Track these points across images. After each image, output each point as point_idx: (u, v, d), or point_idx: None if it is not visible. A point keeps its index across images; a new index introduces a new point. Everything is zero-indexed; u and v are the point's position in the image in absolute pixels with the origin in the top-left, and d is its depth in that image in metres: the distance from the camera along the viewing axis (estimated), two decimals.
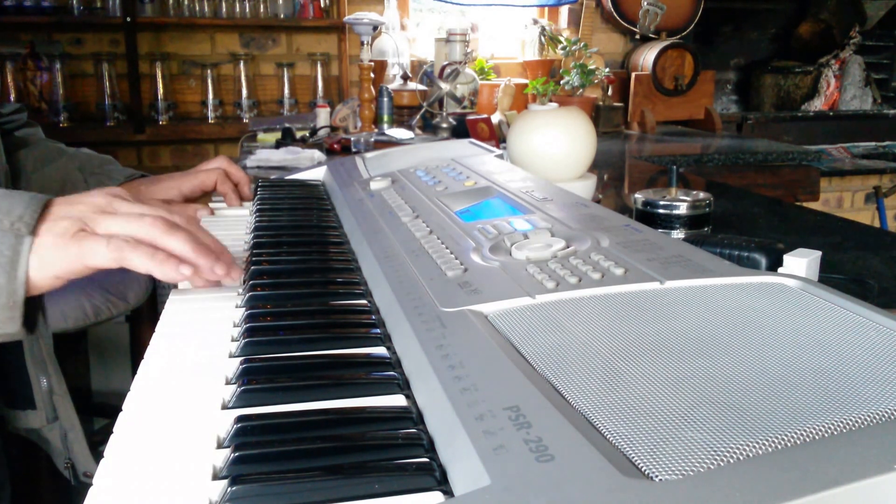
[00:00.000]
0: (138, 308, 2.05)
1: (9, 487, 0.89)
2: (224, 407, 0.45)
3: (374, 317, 0.58)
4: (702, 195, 1.01)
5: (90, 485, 0.37)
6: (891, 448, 0.32)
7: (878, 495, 0.30)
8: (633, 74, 2.95)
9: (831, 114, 3.78)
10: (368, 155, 1.20)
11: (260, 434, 0.41)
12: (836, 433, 0.34)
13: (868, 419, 0.35)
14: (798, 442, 0.33)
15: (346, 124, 2.21)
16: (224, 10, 2.73)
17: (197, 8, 2.71)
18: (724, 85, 3.78)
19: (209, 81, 2.80)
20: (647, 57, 2.97)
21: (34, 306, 0.60)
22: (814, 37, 3.74)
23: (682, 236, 0.97)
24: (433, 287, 0.56)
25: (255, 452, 0.39)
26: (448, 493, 0.36)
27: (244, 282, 0.66)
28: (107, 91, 2.70)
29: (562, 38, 2.96)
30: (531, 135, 1.19)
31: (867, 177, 3.54)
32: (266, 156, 1.74)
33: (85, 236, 0.56)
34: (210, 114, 2.81)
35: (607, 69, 2.87)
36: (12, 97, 2.56)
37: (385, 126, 2.14)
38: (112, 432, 0.42)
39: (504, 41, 3.16)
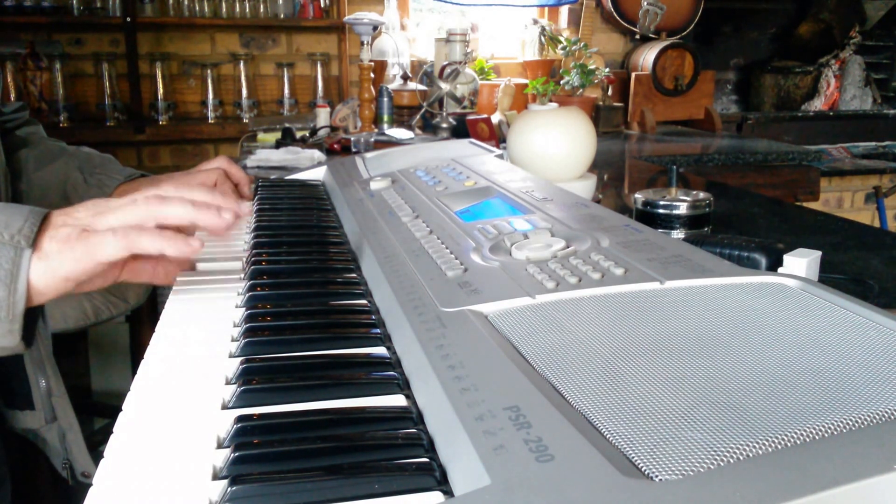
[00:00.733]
0: (138, 308, 2.06)
1: (9, 486, 0.89)
2: (224, 407, 0.45)
3: (374, 317, 0.58)
4: (702, 195, 1.01)
5: (89, 485, 0.37)
6: (891, 448, 0.32)
7: (878, 495, 0.30)
8: (633, 74, 2.95)
9: (831, 114, 3.78)
10: (368, 155, 1.20)
11: (260, 434, 0.41)
12: (836, 433, 0.34)
13: (868, 419, 0.35)
14: (798, 442, 0.33)
15: (346, 124, 2.21)
16: (224, 10, 2.73)
17: (197, 8, 2.71)
18: (724, 85, 3.78)
19: (209, 81, 2.80)
20: (647, 57, 2.97)
21: (33, 320, 0.60)
22: (814, 37, 3.74)
23: (682, 236, 0.97)
24: (433, 287, 0.56)
25: (255, 452, 0.39)
26: (448, 493, 0.36)
27: (244, 281, 0.66)
28: (107, 91, 2.70)
29: (562, 38, 2.96)
30: (531, 135, 1.19)
31: (867, 177, 3.54)
32: (266, 156, 1.74)
33: (90, 234, 0.56)
34: (210, 114, 2.81)
35: (607, 69, 2.87)
36: (12, 97, 2.56)
37: (385, 126, 2.14)
38: (112, 432, 0.42)
39: (504, 41, 3.16)
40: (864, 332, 0.44)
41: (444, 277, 0.58)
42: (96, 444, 1.78)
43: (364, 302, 0.62)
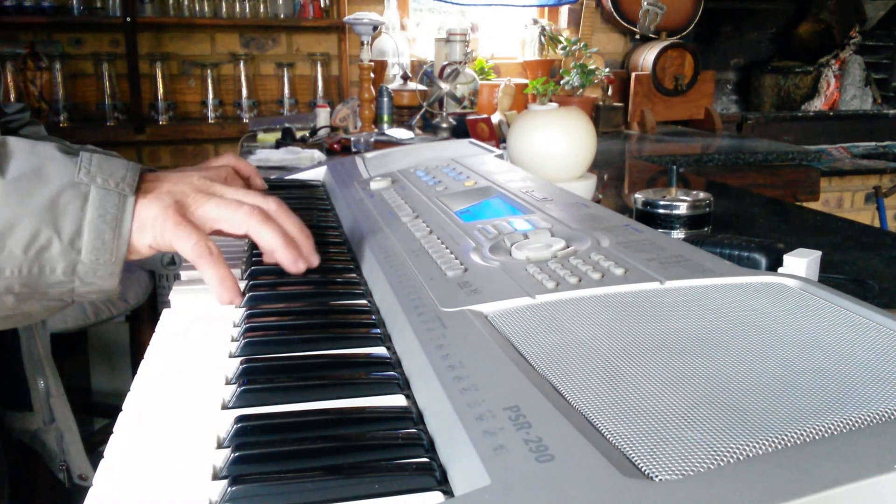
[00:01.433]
0: (138, 308, 2.06)
1: (7, 487, 0.89)
2: (224, 407, 0.45)
3: (374, 317, 0.58)
4: (702, 195, 1.01)
5: (86, 487, 0.37)
6: (891, 448, 0.32)
7: (878, 495, 0.30)
8: (633, 74, 2.95)
9: (831, 114, 3.78)
10: (368, 155, 1.20)
11: (260, 434, 0.41)
12: (836, 433, 0.34)
13: (868, 419, 0.35)
14: (798, 442, 0.33)
15: (346, 124, 2.21)
16: (224, 10, 2.73)
17: (197, 8, 2.71)
18: (724, 85, 3.79)
19: (209, 81, 2.80)
20: (647, 57, 2.98)
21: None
22: (814, 37, 3.74)
23: (682, 236, 0.97)
24: (433, 287, 0.56)
25: (255, 452, 0.39)
26: (448, 493, 0.36)
27: (244, 280, 0.66)
28: (107, 91, 2.70)
29: (562, 38, 2.96)
30: (531, 135, 1.19)
31: (867, 177, 3.55)
32: (266, 156, 1.74)
33: (181, 222, 0.57)
34: (210, 114, 2.81)
35: (607, 69, 2.87)
36: (12, 97, 2.56)
37: (385, 126, 2.14)
38: (112, 432, 0.42)
39: (504, 41, 3.16)
40: (864, 332, 0.44)
41: (444, 277, 0.58)
42: (96, 444, 1.79)
43: (364, 302, 0.62)
